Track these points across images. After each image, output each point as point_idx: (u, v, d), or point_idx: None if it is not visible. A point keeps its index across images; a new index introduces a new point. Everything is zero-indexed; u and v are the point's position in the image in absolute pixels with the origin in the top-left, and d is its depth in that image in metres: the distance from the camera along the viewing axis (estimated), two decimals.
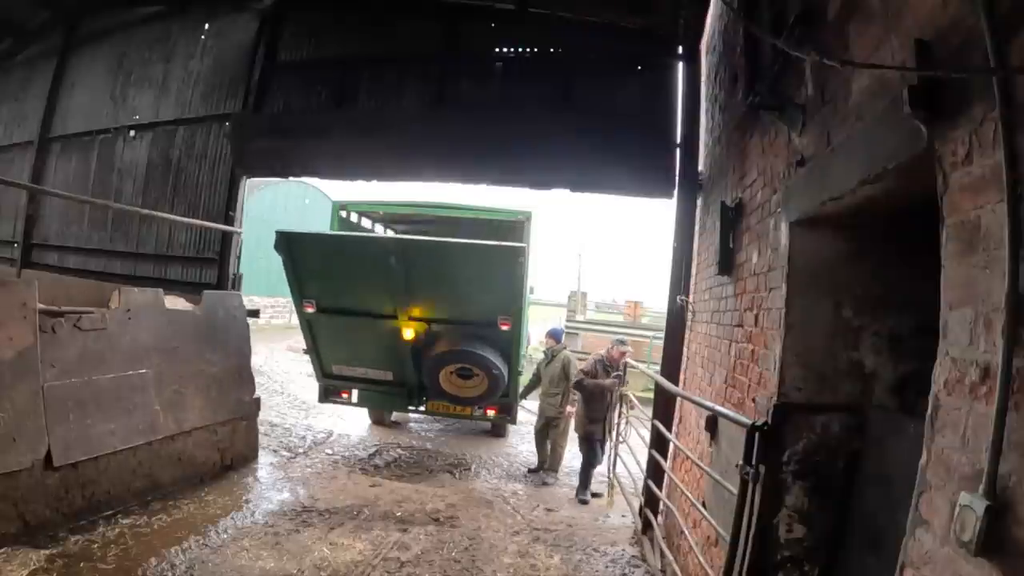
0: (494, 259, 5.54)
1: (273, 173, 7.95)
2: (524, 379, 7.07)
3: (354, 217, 7.94)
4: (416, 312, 5.92)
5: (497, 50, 6.23)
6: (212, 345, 5.39)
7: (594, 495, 5.87)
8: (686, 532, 3.47)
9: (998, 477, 1.11)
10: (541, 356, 7.04)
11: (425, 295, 5.83)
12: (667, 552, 3.97)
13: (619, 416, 5.76)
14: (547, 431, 6.49)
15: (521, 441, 7.89)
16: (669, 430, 4.59)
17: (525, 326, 7.06)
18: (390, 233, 9.43)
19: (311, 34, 6.69)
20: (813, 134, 2.30)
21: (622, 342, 6.33)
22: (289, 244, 5.74)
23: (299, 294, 6.08)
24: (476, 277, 5.63)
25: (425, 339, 6.08)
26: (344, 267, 5.88)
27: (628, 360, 5.97)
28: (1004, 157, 1.14)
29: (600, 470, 6.13)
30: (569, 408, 6.42)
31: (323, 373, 6.83)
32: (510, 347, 6.13)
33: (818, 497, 2.27)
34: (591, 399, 5.96)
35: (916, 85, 1.37)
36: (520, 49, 6.19)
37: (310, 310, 6.12)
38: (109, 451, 4.24)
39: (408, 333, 6.03)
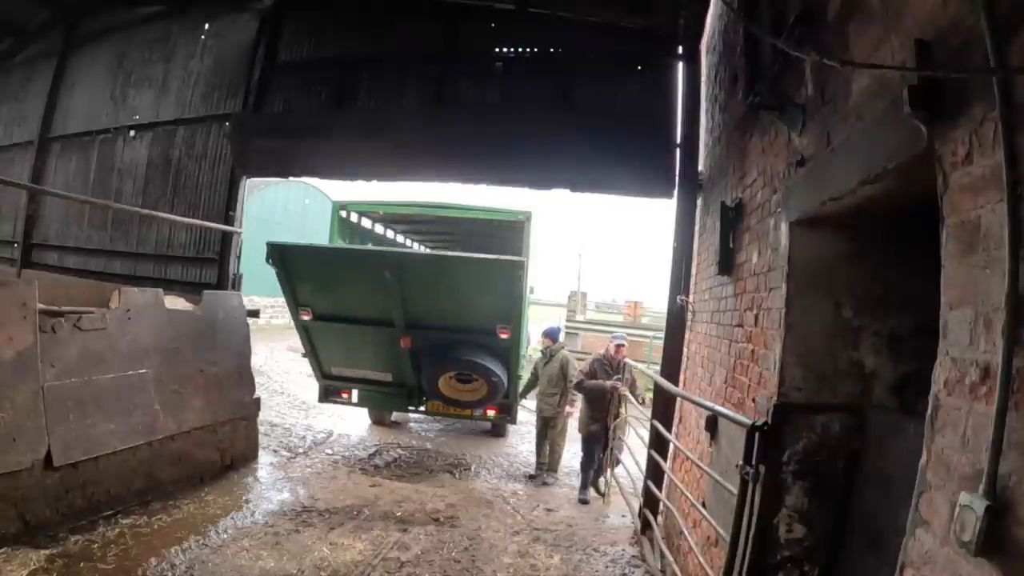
0: (492, 273, 5.50)
1: (273, 173, 7.95)
2: (523, 379, 7.07)
3: (354, 217, 7.94)
4: (413, 320, 5.88)
5: (497, 50, 6.22)
6: (212, 345, 5.39)
7: (602, 494, 5.86)
8: (686, 532, 3.47)
9: (998, 477, 1.11)
10: (538, 355, 7.02)
11: (422, 305, 5.77)
12: (667, 552, 3.97)
13: (616, 417, 5.75)
14: (545, 431, 6.49)
15: (521, 441, 7.89)
16: (669, 430, 4.59)
17: (525, 333, 7.04)
18: (390, 233, 9.46)
19: (311, 34, 6.69)
20: (813, 134, 2.30)
21: (618, 337, 6.32)
22: (281, 256, 5.67)
23: (294, 302, 6.04)
24: (474, 289, 5.58)
25: (423, 345, 6.06)
26: (338, 278, 5.84)
27: (627, 359, 5.92)
28: (1004, 157, 1.14)
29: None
30: (568, 408, 6.42)
31: (322, 374, 6.84)
32: (509, 353, 6.12)
33: (818, 497, 2.27)
34: (592, 400, 5.96)
35: (916, 85, 1.37)
36: (520, 49, 6.18)
37: (306, 318, 6.09)
38: (109, 451, 4.24)
39: (405, 341, 6.02)
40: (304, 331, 6.34)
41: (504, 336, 5.80)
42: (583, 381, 5.97)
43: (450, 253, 6.04)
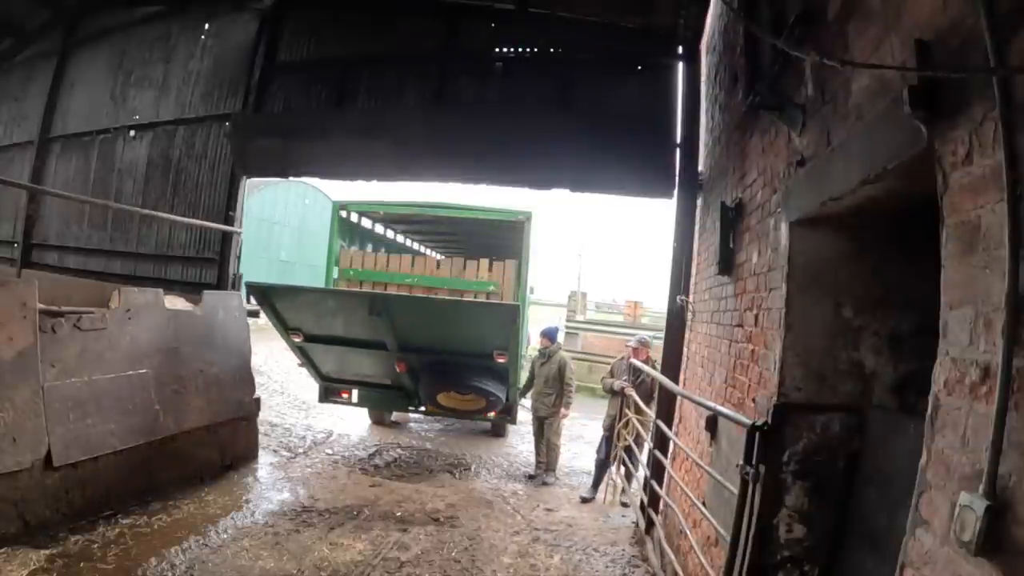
0: (486, 315, 5.47)
1: (273, 173, 7.95)
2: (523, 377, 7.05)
3: (354, 217, 7.94)
4: (407, 344, 5.83)
5: (497, 49, 6.23)
6: (212, 345, 5.39)
7: (623, 505, 5.72)
8: (687, 532, 3.47)
9: (998, 477, 1.11)
10: (535, 355, 6.99)
11: (415, 336, 5.72)
12: (668, 551, 3.97)
13: (622, 418, 5.72)
14: (542, 431, 6.48)
15: (521, 441, 7.89)
16: (669, 430, 4.59)
17: (524, 343, 7.00)
18: (390, 233, 9.45)
19: (311, 33, 6.69)
20: (813, 134, 2.30)
21: (634, 339, 6.27)
22: (263, 295, 5.64)
23: (284, 328, 5.98)
24: (468, 328, 5.55)
25: (419, 364, 6.04)
26: (325, 313, 5.81)
27: (633, 360, 5.85)
28: (1004, 157, 1.14)
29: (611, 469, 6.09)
30: (563, 410, 6.41)
31: (321, 377, 6.83)
32: (507, 372, 6.09)
33: (818, 497, 2.26)
34: (611, 399, 5.98)
35: (916, 85, 1.37)
36: (520, 49, 6.18)
37: (298, 340, 6.05)
38: (109, 451, 4.24)
39: (401, 366, 6.00)
40: (298, 349, 6.33)
41: (501, 360, 5.74)
42: (604, 378, 6.06)
43: (440, 297, 6.01)
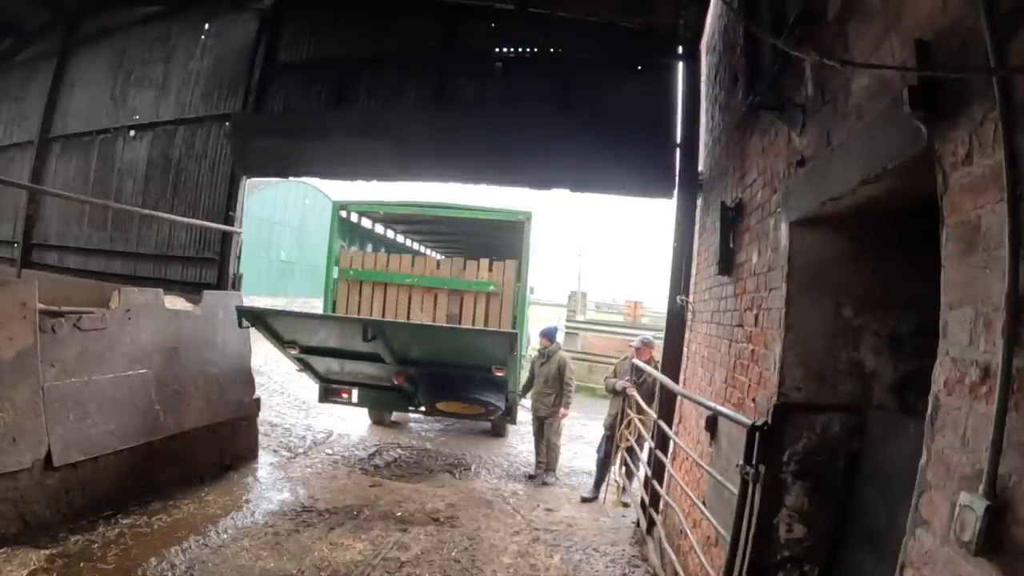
0: (484, 341, 5.47)
1: (273, 173, 7.96)
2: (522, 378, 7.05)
3: (354, 217, 7.93)
4: (404, 358, 5.79)
5: (497, 49, 6.23)
6: (212, 345, 5.39)
7: (624, 505, 5.73)
8: (687, 531, 3.47)
9: (998, 477, 1.11)
10: (535, 355, 6.98)
11: (413, 353, 5.70)
12: (668, 551, 3.97)
13: (623, 418, 5.70)
14: (542, 431, 6.48)
15: (521, 441, 7.89)
16: (670, 429, 4.58)
17: (523, 349, 6.98)
18: (390, 233, 9.45)
19: (311, 33, 6.70)
20: (813, 134, 2.30)
21: (636, 340, 6.25)
22: (255, 318, 5.61)
23: (280, 342, 5.92)
24: (465, 349, 5.54)
25: (418, 375, 6.04)
26: (319, 332, 5.79)
27: (635, 360, 5.83)
28: (1004, 157, 1.14)
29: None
30: (563, 410, 6.41)
31: (320, 379, 6.83)
32: (506, 382, 6.05)
33: (818, 497, 2.26)
34: (615, 397, 5.98)
35: (916, 85, 1.37)
36: (520, 49, 6.19)
37: (294, 352, 6.03)
38: (109, 451, 4.24)
39: (399, 379, 6.00)
40: (295, 359, 6.33)
41: (500, 374, 5.69)
42: (607, 378, 6.05)
43: (436, 325, 6.03)
